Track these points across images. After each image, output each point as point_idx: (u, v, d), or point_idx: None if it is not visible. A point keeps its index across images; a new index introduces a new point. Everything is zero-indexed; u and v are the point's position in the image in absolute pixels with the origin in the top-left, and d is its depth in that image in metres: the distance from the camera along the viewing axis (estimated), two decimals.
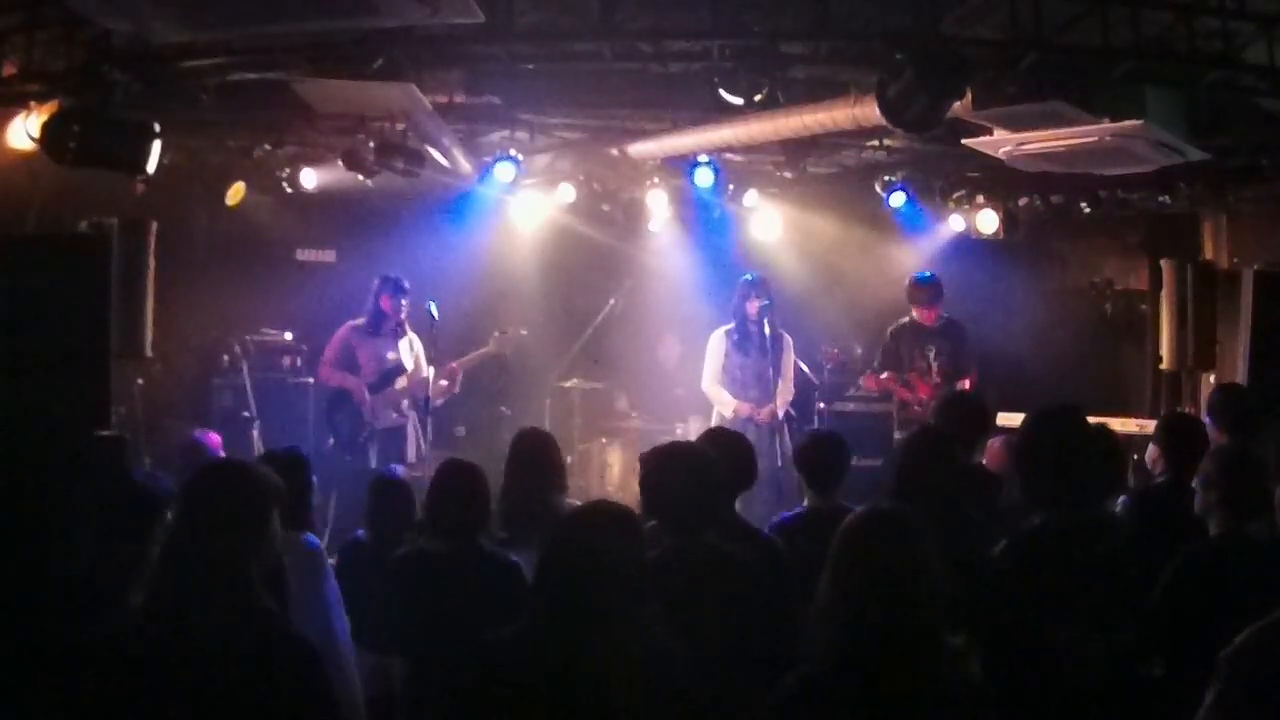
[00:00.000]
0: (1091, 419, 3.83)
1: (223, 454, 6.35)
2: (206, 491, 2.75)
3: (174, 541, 2.66)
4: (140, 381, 8.29)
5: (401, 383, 7.99)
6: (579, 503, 4.92)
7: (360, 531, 4.87)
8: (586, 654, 2.59)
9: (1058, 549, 3.41)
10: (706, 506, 3.74)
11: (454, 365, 8.07)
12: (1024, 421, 3.71)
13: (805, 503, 4.92)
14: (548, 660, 2.60)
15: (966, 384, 8.08)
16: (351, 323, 8.07)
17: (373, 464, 7.66)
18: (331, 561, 4.53)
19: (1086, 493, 3.59)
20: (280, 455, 4.52)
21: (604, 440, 9.61)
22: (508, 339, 8.29)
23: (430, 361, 7.89)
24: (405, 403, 8.00)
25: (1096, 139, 6.21)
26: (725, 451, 4.29)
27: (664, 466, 3.81)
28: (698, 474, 3.75)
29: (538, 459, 4.91)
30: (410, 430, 8.06)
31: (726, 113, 6.51)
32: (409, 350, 8.10)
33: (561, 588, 2.65)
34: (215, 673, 2.52)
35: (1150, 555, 3.76)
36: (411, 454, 7.97)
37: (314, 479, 4.49)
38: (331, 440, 8.06)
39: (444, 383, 7.96)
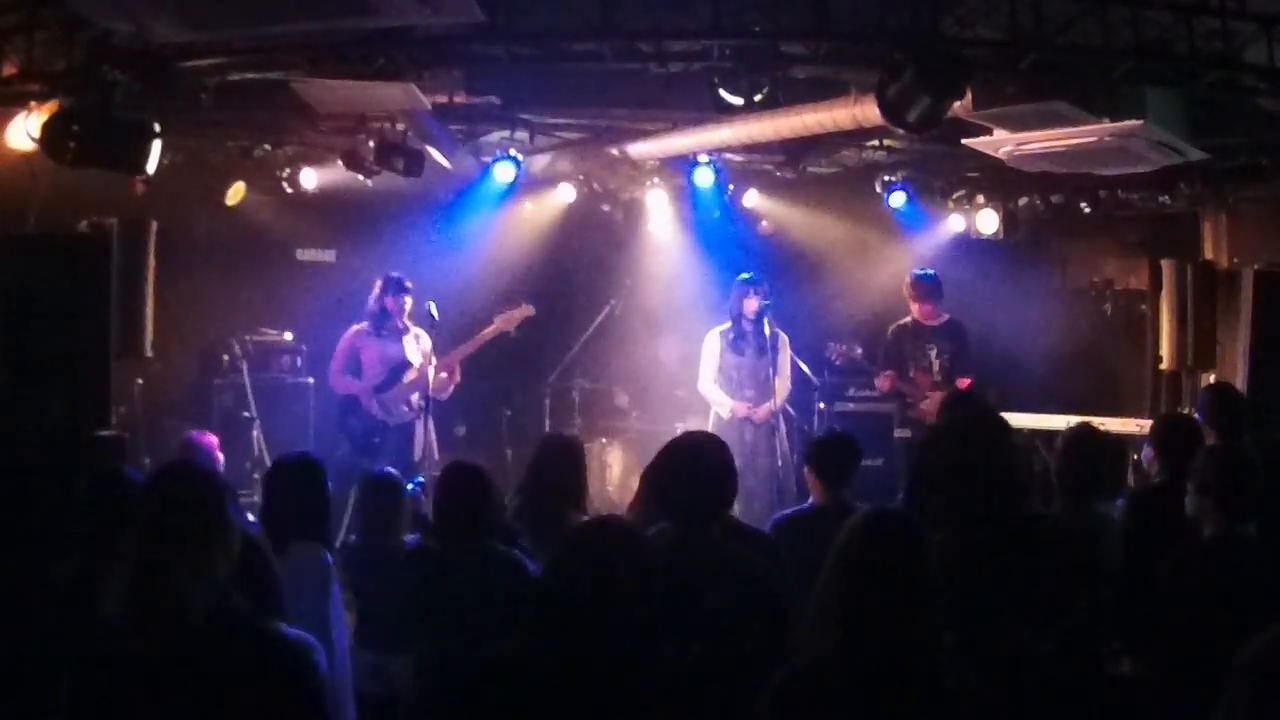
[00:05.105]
0: (1089, 419, 3.84)
1: (219, 454, 6.36)
2: (164, 493, 2.75)
3: (142, 544, 2.66)
4: (140, 381, 8.30)
5: (410, 375, 7.96)
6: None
7: (353, 535, 4.86)
8: (591, 668, 2.59)
9: (979, 553, 3.44)
10: (713, 501, 3.70)
11: (449, 356, 8.02)
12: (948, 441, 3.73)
13: (811, 499, 4.94)
14: (552, 674, 2.60)
15: (964, 385, 8.06)
16: (355, 327, 8.03)
17: (386, 464, 7.64)
18: None
19: (1007, 503, 3.59)
20: (293, 461, 4.38)
21: (604, 440, 9.60)
22: (513, 316, 8.22)
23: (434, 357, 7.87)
24: (415, 397, 7.97)
25: (1096, 139, 6.21)
26: None
27: (676, 456, 3.75)
28: (709, 467, 3.69)
29: (556, 470, 4.86)
30: (418, 428, 8.05)
31: (726, 113, 6.51)
32: (414, 346, 8.08)
33: (568, 604, 2.65)
34: (196, 674, 2.52)
35: (1145, 556, 3.77)
36: (418, 452, 7.96)
37: (329, 486, 4.29)
38: (346, 446, 8.01)
39: (444, 375, 7.94)
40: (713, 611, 3.43)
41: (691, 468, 3.67)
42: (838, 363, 8.53)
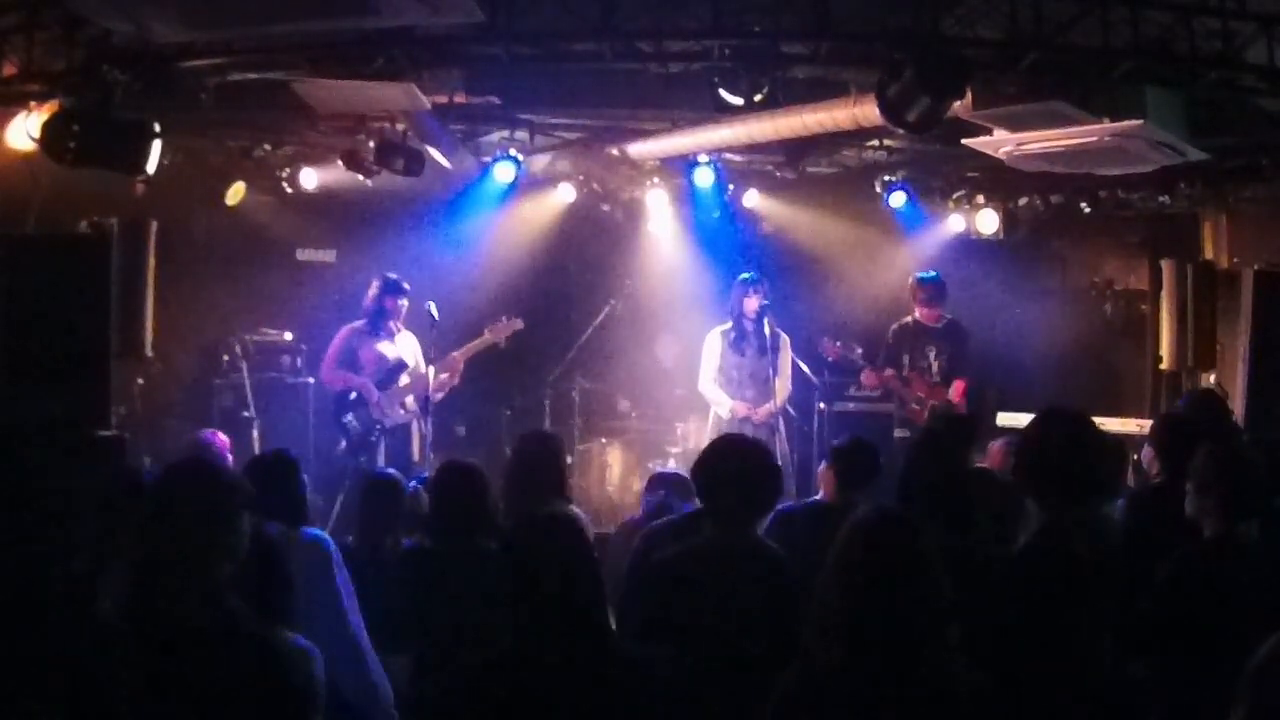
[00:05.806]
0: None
1: (230, 456, 6.36)
2: (171, 493, 2.74)
3: (144, 543, 2.65)
4: (140, 381, 8.30)
5: (404, 380, 7.99)
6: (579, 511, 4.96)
7: (349, 537, 4.87)
8: (563, 671, 2.60)
9: (1067, 547, 3.43)
10: (759, 503, 3.74)
11: (455, 355, 8.06)
12: (1033, 422, 3.70)
13: (820, 494, 4.98)
14: (527, 680, 2.61)
15: (959, 387, 8.07)
16: (350, 325, 8.05)
17: (381, 463, 7.65)
18: None
19: (1096, 491, 3.60)
20: (270, 457, 4.46)
21: (604, 440, 9.60)
22: (501, 328, 8.24)
23: (429, 361, 7.89)
24: (410, 399, 7.99)
25: (1096, 139, 6.21)
26: None
27: (726, 456, 3.79)
28: (750, 470, 3.74)
29: (534, 467, 4.84)
30: (415, 429, 8.06)
31: (726, 113, 6.51)
32: (408, 348, 8.11)
33: (526, 605, 2.67)
34: (192, 676, 2.52)
35: (1146, 556, 3.76)
36: (415, 453, 7.97)
37: (305, 477, 4.40)
38: (343, 444, 8.01)
39: (445, 375, 7.95)
40: (747, 611, 3.48)
41: (733, 470, 3.71)
42: (830, 359, 8.53)
